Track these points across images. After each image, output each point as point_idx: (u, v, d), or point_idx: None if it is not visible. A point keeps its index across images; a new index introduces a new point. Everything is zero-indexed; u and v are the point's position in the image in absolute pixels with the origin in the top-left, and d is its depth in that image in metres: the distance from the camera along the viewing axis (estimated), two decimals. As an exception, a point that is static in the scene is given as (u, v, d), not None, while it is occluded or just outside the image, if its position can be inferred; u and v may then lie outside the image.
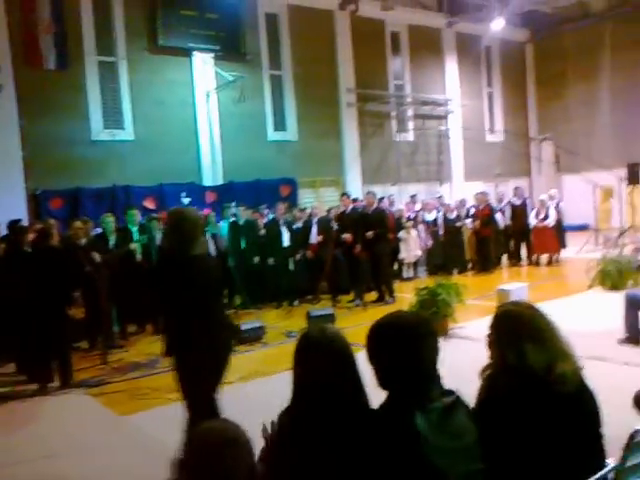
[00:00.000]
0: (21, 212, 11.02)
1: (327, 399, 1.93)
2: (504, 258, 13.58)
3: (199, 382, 3.76)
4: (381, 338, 1.94)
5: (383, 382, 1.92)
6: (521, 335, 2.14)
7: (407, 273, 12.38)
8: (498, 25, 17.05)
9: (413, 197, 14.21)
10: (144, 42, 13.26)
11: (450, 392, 1.93)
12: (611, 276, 9.01)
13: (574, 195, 17.51)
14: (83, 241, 8.11)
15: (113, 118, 12.94)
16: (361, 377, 2.01)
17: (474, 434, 1.90)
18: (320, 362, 1.97)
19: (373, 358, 1.94)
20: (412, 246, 12.17)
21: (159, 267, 4.16)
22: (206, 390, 3.81)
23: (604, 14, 19.40)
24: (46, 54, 11.89)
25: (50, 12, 11.91)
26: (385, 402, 1.91)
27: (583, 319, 7.46)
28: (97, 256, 7.46)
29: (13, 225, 7.75)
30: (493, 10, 16.73)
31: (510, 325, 2.20)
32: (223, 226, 10.69)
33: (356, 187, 16.11)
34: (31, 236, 6.82)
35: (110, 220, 8.65)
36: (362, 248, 9.79)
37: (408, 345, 1.87)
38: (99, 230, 9.13)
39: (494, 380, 2.21)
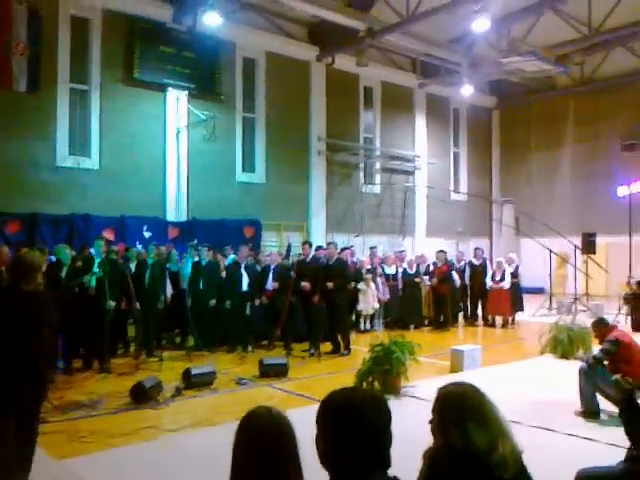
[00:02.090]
0: (-26, 234, 10.73)
1: None
2: (460, 316, 13.72)
3: None
4: (329, 416, 1.86)
5: (326, 462, 1.85)
6: (464, 415, 2.12)
7: (364, 325, 12.36)
8: (467, 91, 17.69)
9: (373, 249, 14.20)
10: (119, 73, 13.28)
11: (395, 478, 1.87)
12: (562, 344, 9.15)
13: (531, 258, 17.93)
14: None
15: (80, 145, 12.82)
16: (301, 465, 1.92)
17: None
18: (261, 449, 1.86)
19: (320, 435, 1.87)
20: (370, 298, 12.19)
21: None
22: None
23: (568, 89, 20.37)
24: (18, 76, 11.76)
25: (26, 34, 11.84)
26: None
27: (534, 386, 7.53)
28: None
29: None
30: (463, 76, 17.37)
31: (453, 405, 2.18)
32: (187, 264, 10.53)
33: (320, 234, 16.20)
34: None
35: (66, 252, 8.41)
36: (321, 298, 9.75)
37: (357, 428, 1.80)
38: (53, 258, 8.88)
39: (436, 460, 2.17)
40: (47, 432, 5.66)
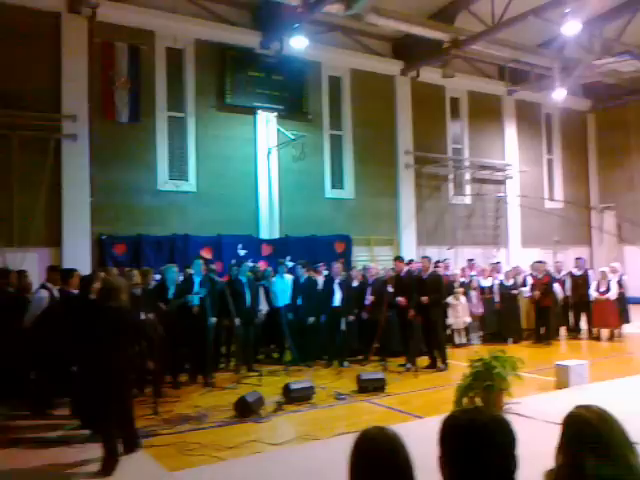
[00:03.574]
0: (86, 256, 11.49)
1: None
2: (562, 330, 13.13)
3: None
4: (451, 438, 1.80)
5: None
6: (583, 447, 1.94)
7: (459, 339, 12.10)
8: (559, 95, 17.00)
9: (471, 261, 13.99)
10: (212, 100, 13.85)
11: None
12: (678, 358, 8.57)
13: (637, 267, 16.92)
14: (139, 291, 8.34)
15: (178, 170, 13.43)
16: None
17: None
18: (378, 471, 1.82)
19: (443, 457, 1.81)
20: (460, 312, 11.95)
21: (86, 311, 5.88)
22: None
23: (668, 87, 19.13)
24: (120, 108, 12.56)
25: (127, 69, 12.65)
26: None
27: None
28: (163, 305, 7.74)
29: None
30: (555, 80, 16.73)
31: (574, 433, 2.02)
32: (285, 282, 10.76)
33: (411, 248, 16.07)
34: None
35: (174, 270, 8.86)
36: (416, 312, 9.67)
37: (481, 451, 1.72)
38: (158, 277, 9.35)
39: None
40: (158, 444, 5.98)
